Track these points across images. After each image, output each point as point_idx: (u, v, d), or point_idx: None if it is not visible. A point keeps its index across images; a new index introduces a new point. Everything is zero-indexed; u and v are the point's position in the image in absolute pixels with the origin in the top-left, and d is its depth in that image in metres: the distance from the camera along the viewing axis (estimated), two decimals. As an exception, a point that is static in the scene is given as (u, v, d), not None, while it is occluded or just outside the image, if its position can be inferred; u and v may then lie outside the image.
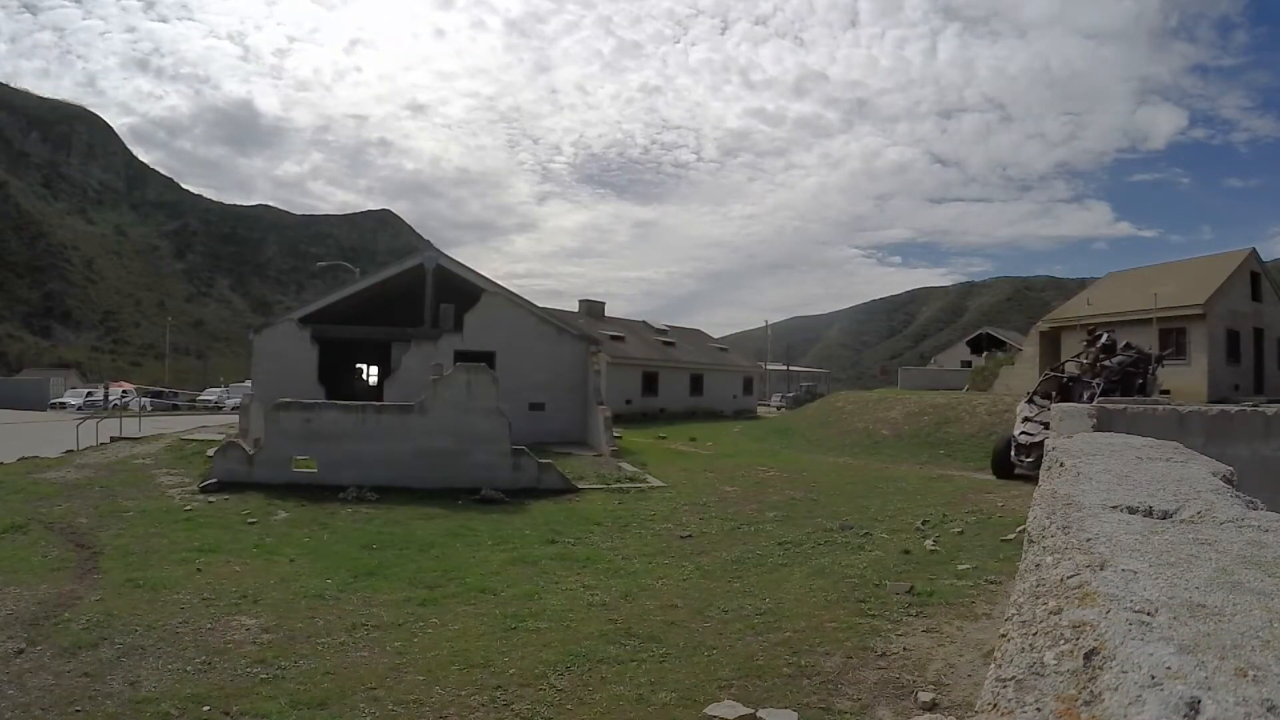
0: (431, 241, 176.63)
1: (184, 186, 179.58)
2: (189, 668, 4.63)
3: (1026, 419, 13.71)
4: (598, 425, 19.35)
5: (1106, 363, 14.41)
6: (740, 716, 4.02)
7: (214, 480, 11.63)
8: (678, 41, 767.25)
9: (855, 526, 9.56)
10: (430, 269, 21.96)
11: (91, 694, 4.22)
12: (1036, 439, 12.80)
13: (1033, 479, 13.44)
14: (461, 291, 22.59)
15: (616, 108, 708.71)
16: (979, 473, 15.78)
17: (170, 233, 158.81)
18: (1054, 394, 14.32)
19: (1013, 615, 1.15)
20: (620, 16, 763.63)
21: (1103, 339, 16.41)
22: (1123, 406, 5.59)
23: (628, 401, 32.46)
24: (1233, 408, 5.64)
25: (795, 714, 4.07)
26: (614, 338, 33.93)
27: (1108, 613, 0.89)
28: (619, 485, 13.25)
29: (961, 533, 9.06)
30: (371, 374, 30.93)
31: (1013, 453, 13.70)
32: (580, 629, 5.54)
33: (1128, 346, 15.84)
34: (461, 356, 18.36)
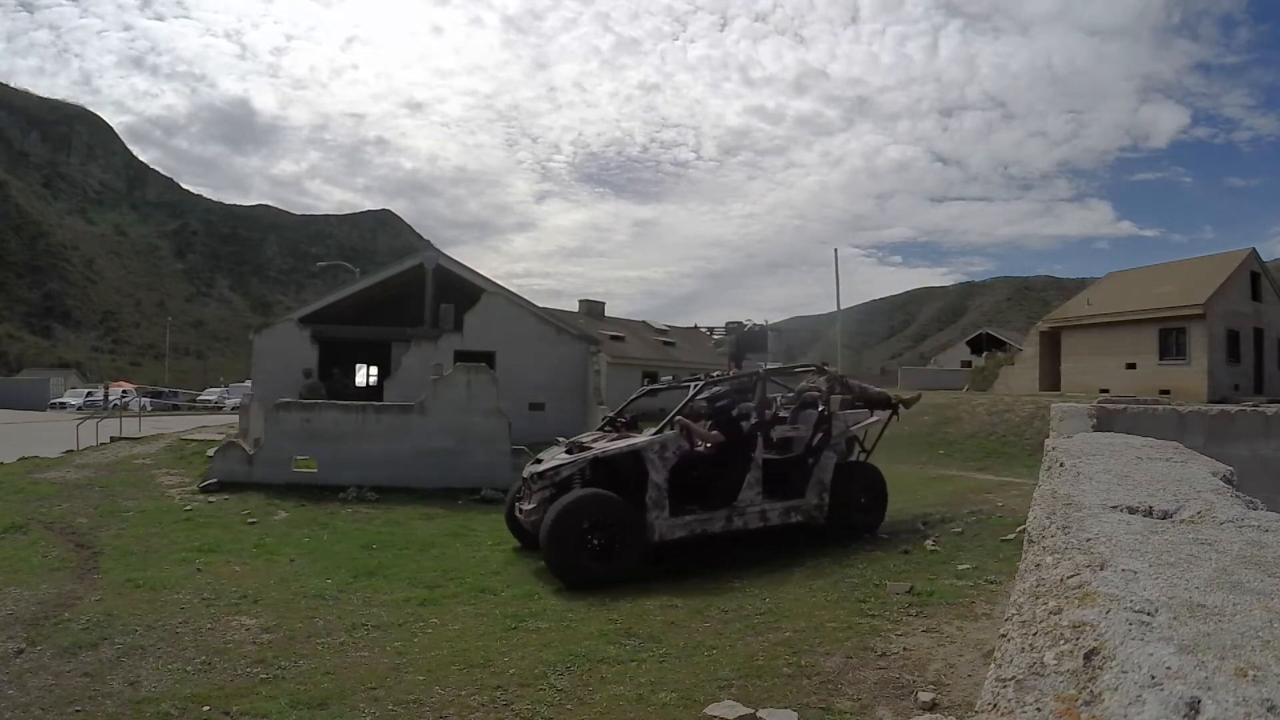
0: (430, 241, 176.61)
1: (184, 186, 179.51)
2: (189, 668, 4.63)
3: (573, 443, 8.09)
4: (598, 425, 19.33)
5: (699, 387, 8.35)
6: (740, 716, 4.02)
7: (214, 480, 11.63)
8: (676, 38, 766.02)
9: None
10: (430, 269, 21.95)
11: (91, 694, 4.22)
12: (552, 465, 7.41)
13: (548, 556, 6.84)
14: (461, 291, 22.58)
15: (615, 105, 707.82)
16: (979, 473, 15.78)
17: (170, 233, 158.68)
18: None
19: (1013, 615, 1.15)
20: (618, 13, 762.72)
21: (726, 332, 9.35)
22: (1123, 406, 5.59)
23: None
24: (1233, 408, 5.64)
25: (795, 714, 4.07)
26: (614, 338, 33.91)
27: (1108, 613, 0.89)
28: (619, 485, 13.23)
29: (961, 533, 9.05)
30: (372, 374, 30.92)
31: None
32: (580, 629, 5.54)
33: (825, 371, 9.72)
34: (461, 356, 18.36)
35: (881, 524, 8.75)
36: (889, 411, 9.65)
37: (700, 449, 7.72)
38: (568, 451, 7.65)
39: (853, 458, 9.42)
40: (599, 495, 6.98)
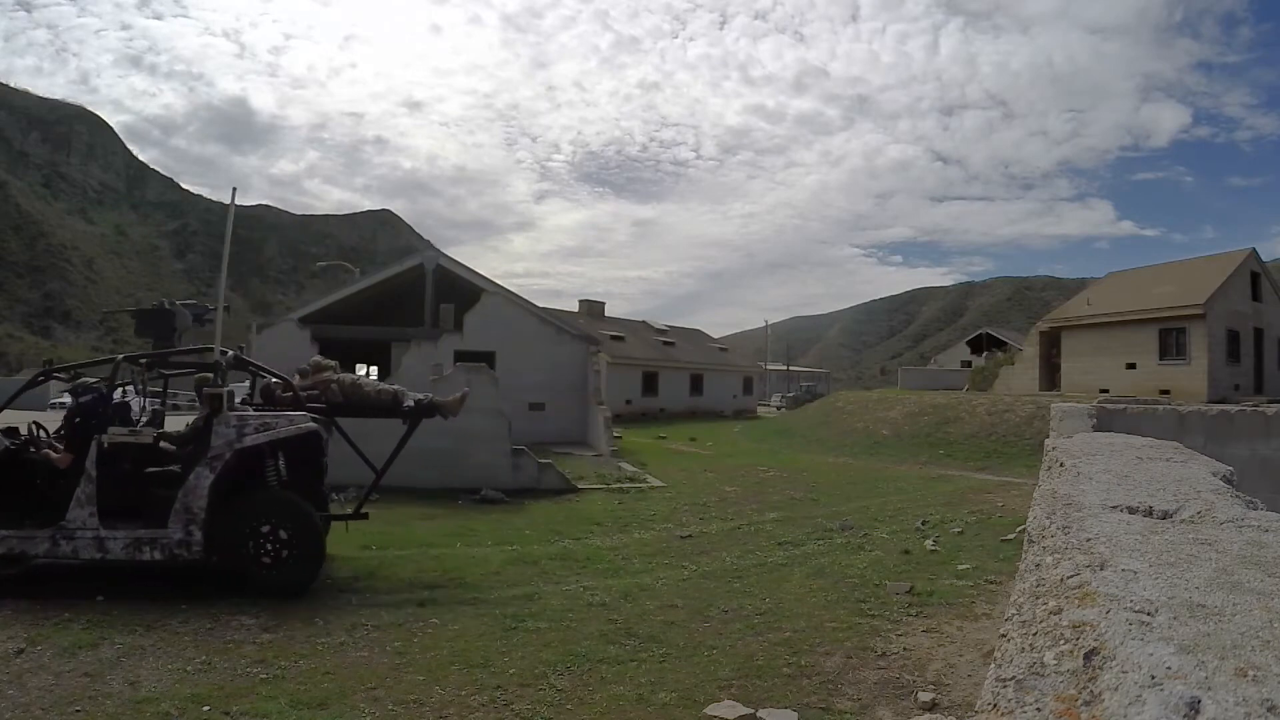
0: (430, 241, 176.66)
1: (184, 186, 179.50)
2: (189, 668, 4.63)
3: None
4: (597, 425, 19.36)
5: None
6: (740, 716, 4.02)
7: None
8: (675, 36, 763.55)
9: (855, 526, 9.57)
10: (430, 269, 21.98)
11: (91, 694, 4.22)
12: None
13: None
14: (461, 291, 22.60)
15: (615, 105, 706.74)
16: (979, 473, 15.79)
17: (170, 233, 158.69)
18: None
19: (1013, 615, 1.16)
20: (617, 11, 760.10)
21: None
22: (1123, 406, 5.59)
23: (628, 401, 32.47)
24: (1233, 408, 5.65)
25: (795, 714, 4.07)
26: (614, 338, 33.94)
27: (1108, 613, 0.89)
28: (619, 485, 13.26)
29: (961, 533, 9.07)
30: (372, 374, 30.98)
31: None
32: (580, 629, 5.54)
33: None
34: (461, 356, 18.36)
35: (313, 582, 6.39)
36: (403, 420, 7.62)
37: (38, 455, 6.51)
38: None
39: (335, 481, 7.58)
40: None
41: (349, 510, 7.61)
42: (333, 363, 7.92)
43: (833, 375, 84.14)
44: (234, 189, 8.94)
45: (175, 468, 6.53)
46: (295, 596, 6.16)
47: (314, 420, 6.85)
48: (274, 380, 7.37)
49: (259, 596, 6.05)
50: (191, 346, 7.68)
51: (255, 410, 6.87)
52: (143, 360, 7.35)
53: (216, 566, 6.34)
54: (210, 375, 7.19)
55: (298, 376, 7.71)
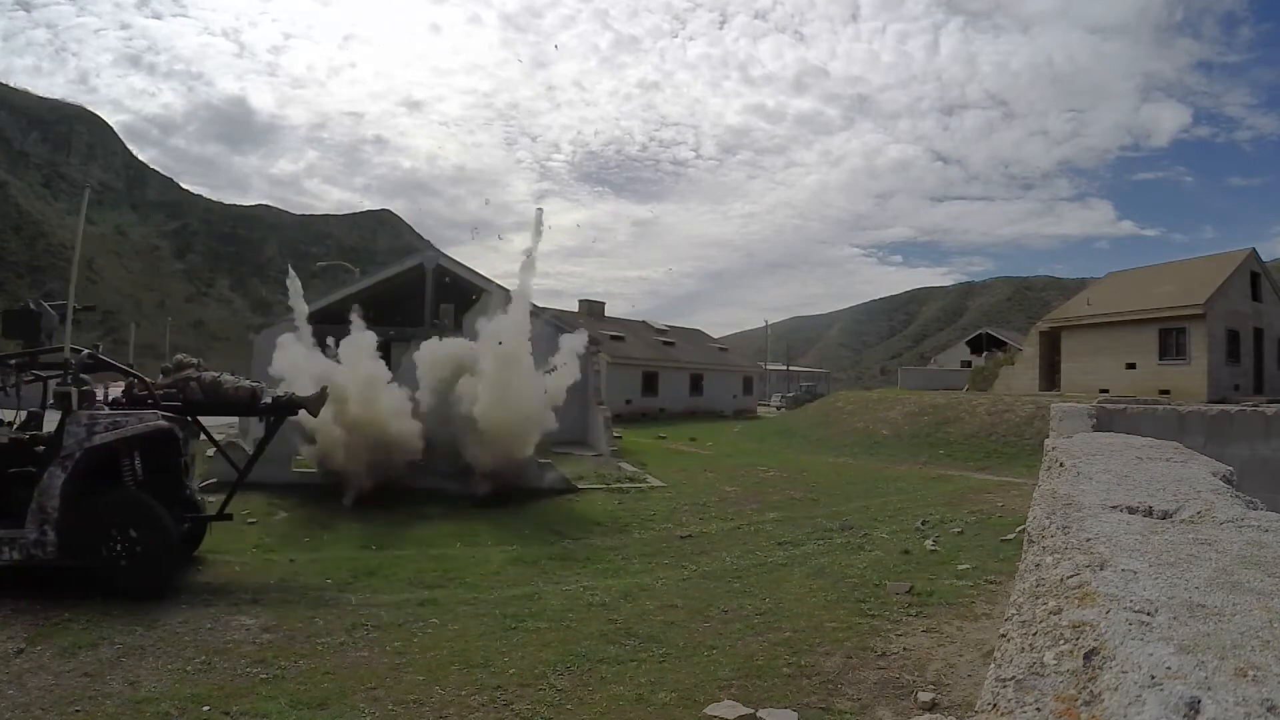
0: (430, 241, 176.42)
1: (184, 186, 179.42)
2: (189, 668, 4.64)
3: None
4: (597, 425, 19.35)
5: None
6: (740, 716, 4.02)
7: (214, 480, 11.61)
8: (675, 36, 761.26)
9: (855, 526, 9.57)
10: (430, 269, 21.99)
11: (91, 694, 4.22)
12: None
13: None
14: (461, 291, 22.61)
15: (614, 104, 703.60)
16: (979, 473, 15.79)
17: (170, 233, 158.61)
18: None
19: (1013, 615, 1.16)
20: (617, 10, 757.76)
21: None
22: (1123, 406, 5.59)
23: (628, 401, 32.45)
24: (1233, 408, 5.65)
25: (795, 714, 4.07)
26: (614, 338, 33.93)
27: (1108, 613, 0.89)
28: (619, 485, 13.26)
29: (961, 533, 9.07)
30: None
31: None
32: (580, 629, 5.54)
33: None
34: (461, 356, 18.34)
35: (168, 582, 6.30)
36: (259, 418, 7.68)
37: None
38: None
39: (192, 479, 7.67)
40: None
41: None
42: (195, 360, 7.90)
43: (833, 375, 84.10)
44: (87, 189, 9.05)
45: (32, 468, 6.43)
46: (152, 597, 5.99)
47: (167, 418, 6.77)
48: (134, 379, 7.35)
49: (118, 597, 5.89)
50: (49, 347, 7.54)
51: (111, 409, 6.78)
52: (12, 361, 7.30)
53: (73, 567, 6.18)
54: (74, 376, 7.03)
55: (161, 375, 7.69)
